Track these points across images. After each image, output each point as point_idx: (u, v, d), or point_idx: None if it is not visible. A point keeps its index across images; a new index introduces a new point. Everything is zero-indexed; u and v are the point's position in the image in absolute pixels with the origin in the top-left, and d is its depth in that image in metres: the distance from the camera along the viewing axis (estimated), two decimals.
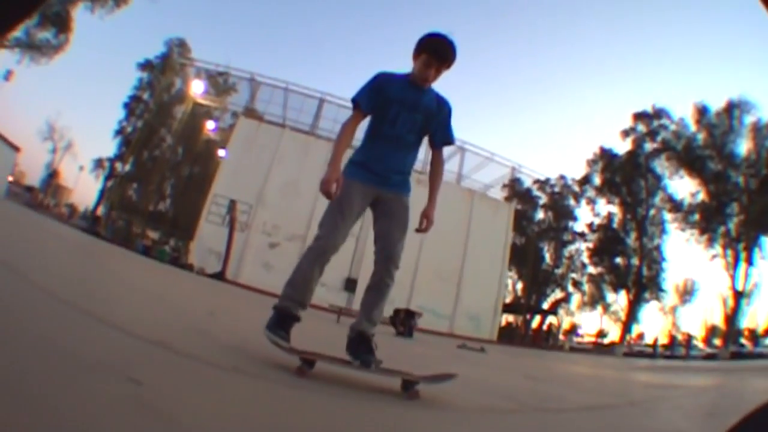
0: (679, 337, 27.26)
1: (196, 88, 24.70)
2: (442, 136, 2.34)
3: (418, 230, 2.30)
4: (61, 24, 22.12)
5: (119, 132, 30.24)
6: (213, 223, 18.34)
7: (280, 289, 2.19)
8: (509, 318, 30.54)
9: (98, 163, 31.98)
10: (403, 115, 2.20)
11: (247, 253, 18.63)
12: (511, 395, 3.49)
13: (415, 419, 1.77)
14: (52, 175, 33.61)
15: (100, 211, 28.72)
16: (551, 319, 31.27)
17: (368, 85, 2.22)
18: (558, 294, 32.40)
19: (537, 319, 32.14)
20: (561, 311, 32.56)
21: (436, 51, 2.15)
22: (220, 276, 16.63)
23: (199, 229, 19.58)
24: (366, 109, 2.21)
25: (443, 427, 1.79)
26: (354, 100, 2.22)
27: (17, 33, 19.99)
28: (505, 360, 8.13)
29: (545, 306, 31.77)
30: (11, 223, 7.31)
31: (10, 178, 24.44)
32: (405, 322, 9.29)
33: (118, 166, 29.77)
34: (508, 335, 25.79)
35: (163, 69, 28.77)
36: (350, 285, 19.06)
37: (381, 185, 2.24)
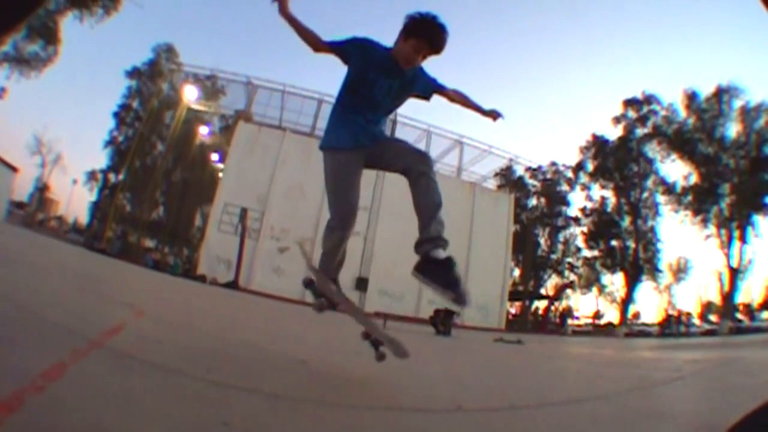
0: (676, 314, 28.11)
1: (190, 93, 24.23)
2: (431, 86, 2.28)
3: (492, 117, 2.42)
4: (50, 35, 21.44)
5: (110, 142, 29.64)
6: (225, 233, 18.20)
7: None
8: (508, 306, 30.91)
9: (91, 175, 31.38)
10: (381, 80, 2.11)
11: (256, 259, 18.53)
12: (620, 380, 3.84)
13: None
14: (41, 189, 32.73)
15: (95, 224, 28.14)
16: (557, 305, 31.85)
17: (351, 38, 2.15)
18: (555, 279, 32.99)
19: (536, 304, 32.74)
20: (564, 296, 33.22)
21: (431, 40, 2.00)
22: (233, 285, 16.52)
23: (206, 238, 19.38)
24: (334, 45, 2.12)
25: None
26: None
27: (5, 47, 19.37)
28: (553, 349, 8.42)
29: (546, 291, 32.28)
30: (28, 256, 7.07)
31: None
32: (445, 321, 9.52)
33: (112, 177, 29.20)
34: (515, 323, 26.23)
35: (152, 75, 28.14)
36: (361, 284, 19.07)
37: (363, 141, 2.15)
